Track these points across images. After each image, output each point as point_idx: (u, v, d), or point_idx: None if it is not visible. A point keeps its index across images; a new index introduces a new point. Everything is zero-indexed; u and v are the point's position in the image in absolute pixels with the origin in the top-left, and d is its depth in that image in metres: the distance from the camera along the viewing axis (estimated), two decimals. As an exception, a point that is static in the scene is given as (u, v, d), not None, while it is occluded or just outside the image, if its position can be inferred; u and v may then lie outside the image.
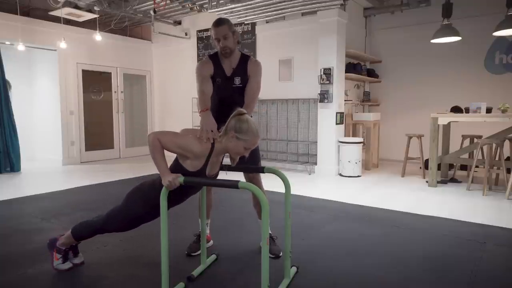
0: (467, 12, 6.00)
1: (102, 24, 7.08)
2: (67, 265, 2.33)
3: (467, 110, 4.78)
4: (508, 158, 5.16)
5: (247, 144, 1.95)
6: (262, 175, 2.56)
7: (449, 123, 5.24)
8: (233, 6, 5.69)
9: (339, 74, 5.79)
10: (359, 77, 6.58)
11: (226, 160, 2.12)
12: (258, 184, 2.55)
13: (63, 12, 5.93)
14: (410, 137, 5.66)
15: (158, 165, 1.85)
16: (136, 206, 2.05)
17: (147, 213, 2.06)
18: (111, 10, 6.20)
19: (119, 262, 2.49)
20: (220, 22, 2.34)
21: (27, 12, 6.34)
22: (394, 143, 7.05)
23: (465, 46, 6.08)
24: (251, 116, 2.10)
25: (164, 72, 8.35)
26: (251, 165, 2.49)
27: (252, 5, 5.65)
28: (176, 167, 1.93)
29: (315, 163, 6.06)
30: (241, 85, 2.39)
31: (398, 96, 7.13)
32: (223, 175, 2.16)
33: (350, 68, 6.31)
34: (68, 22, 6.69)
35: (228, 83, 2.40)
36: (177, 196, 2.01)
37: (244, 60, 2.44)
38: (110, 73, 7.72)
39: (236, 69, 2.41)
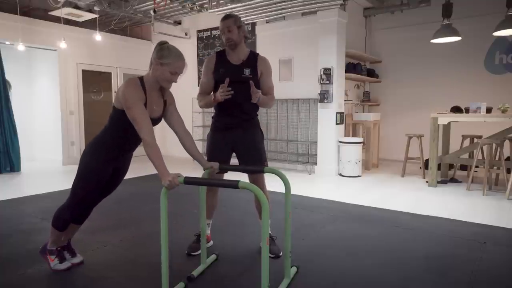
0: (467, 12, 6.00)
1: (102, 24, 7.07)
2: (65, 264, 2.33)
3: (467, 110, 4.78)
4: (508, 158, 5.16)
5: (171, 68, 1.98)
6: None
7: (449, 123, 5.24)
8: (233, 6, 5.69)
9: (339, 74, 5.78)
10: (359, 77, 6.58)
11: (232, 162, 2.11)
12: (261, 185, 2.54)
13: (63, 12, 5.92)
14: (410, 137, 5.66)
15: (156, 164, 1.86)
16: (89, 162, 2.13)
17: (101, 167, 2.13)
18: (111, 10, 6.20)
19: (119, 262, 2.49)
20: (226, 17, 2.49)
21: (27, 12, 6.33)
22: (394, 143, 7.06)
23: (465, 46, 6.08)
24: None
25: (164, 72, 8.33)
26: (253, 163, 2.49)
27: (252, 5, 5.65)
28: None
29: (315, 163, 6.06)
30: (250, 76, 2.45)
31: (398, 96, 7.13)
32: (228, 175, 2.15)
33: (350, 68, 6.31)
34: (68, 22, 6.68)
35: (236, 72, 2.45)
36: (109, 185, 2.25)
37: (254, 55, 2.55)
38: (110, 73, 7.72)
39: (246, 61, 2.49)
